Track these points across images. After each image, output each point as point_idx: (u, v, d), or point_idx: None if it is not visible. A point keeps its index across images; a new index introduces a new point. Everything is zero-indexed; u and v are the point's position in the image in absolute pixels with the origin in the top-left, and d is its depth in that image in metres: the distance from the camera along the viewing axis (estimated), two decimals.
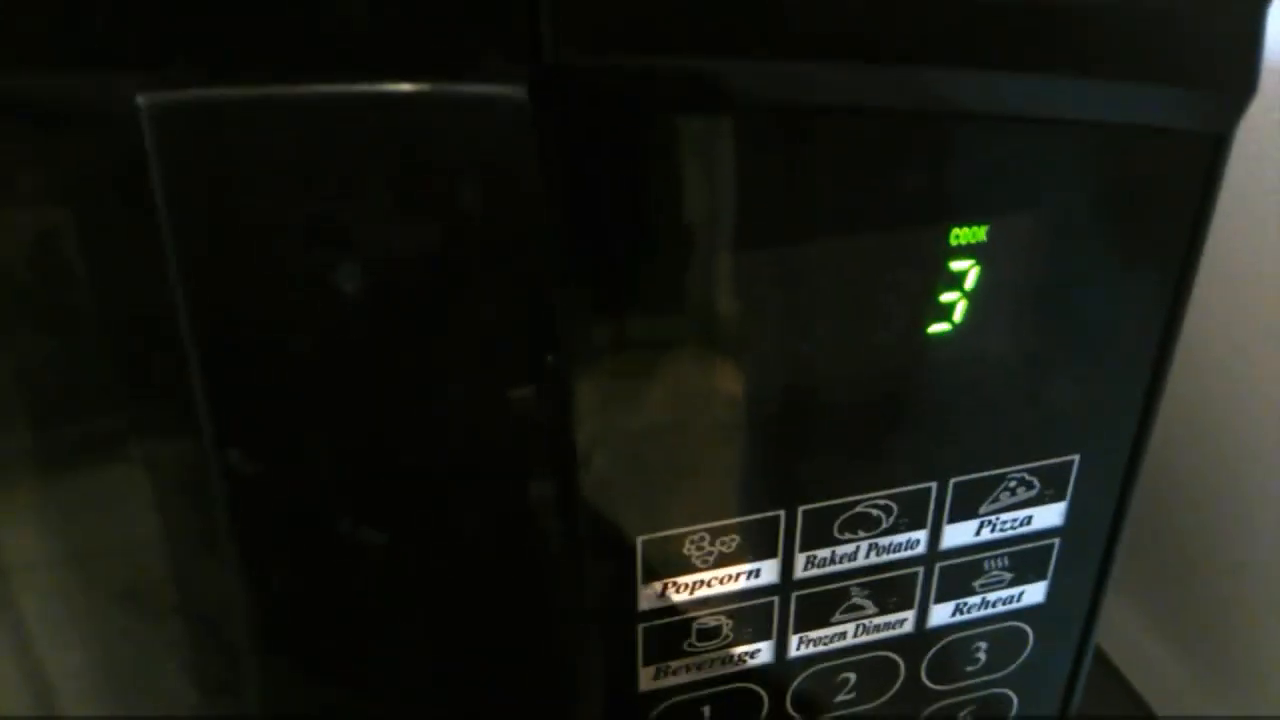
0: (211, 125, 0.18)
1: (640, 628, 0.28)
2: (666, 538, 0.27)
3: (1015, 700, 0.33)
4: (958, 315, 0.25)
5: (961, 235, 0.24)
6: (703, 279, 0.24)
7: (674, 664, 0.29)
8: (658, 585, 0.27)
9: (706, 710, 0.30)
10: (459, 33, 0.19)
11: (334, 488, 0.20)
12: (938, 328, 0.25)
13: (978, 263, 0.25)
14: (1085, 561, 0.31)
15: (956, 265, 0.25)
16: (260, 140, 0.18)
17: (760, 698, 0.30)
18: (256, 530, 0.20)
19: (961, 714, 0.33)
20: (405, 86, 0.18)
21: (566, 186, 0.21)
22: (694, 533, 0.27)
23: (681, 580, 0.27)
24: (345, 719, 0.22)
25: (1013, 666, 0.32)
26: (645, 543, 0.27)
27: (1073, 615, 0.32)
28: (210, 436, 0.18)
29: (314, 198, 0.18)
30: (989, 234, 0.24)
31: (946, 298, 0.25)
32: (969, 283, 0.25)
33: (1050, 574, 0.31)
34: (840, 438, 0.27)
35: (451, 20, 0.18)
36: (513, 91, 0.19)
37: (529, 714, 0.25)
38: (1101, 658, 0.56)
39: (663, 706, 0.29)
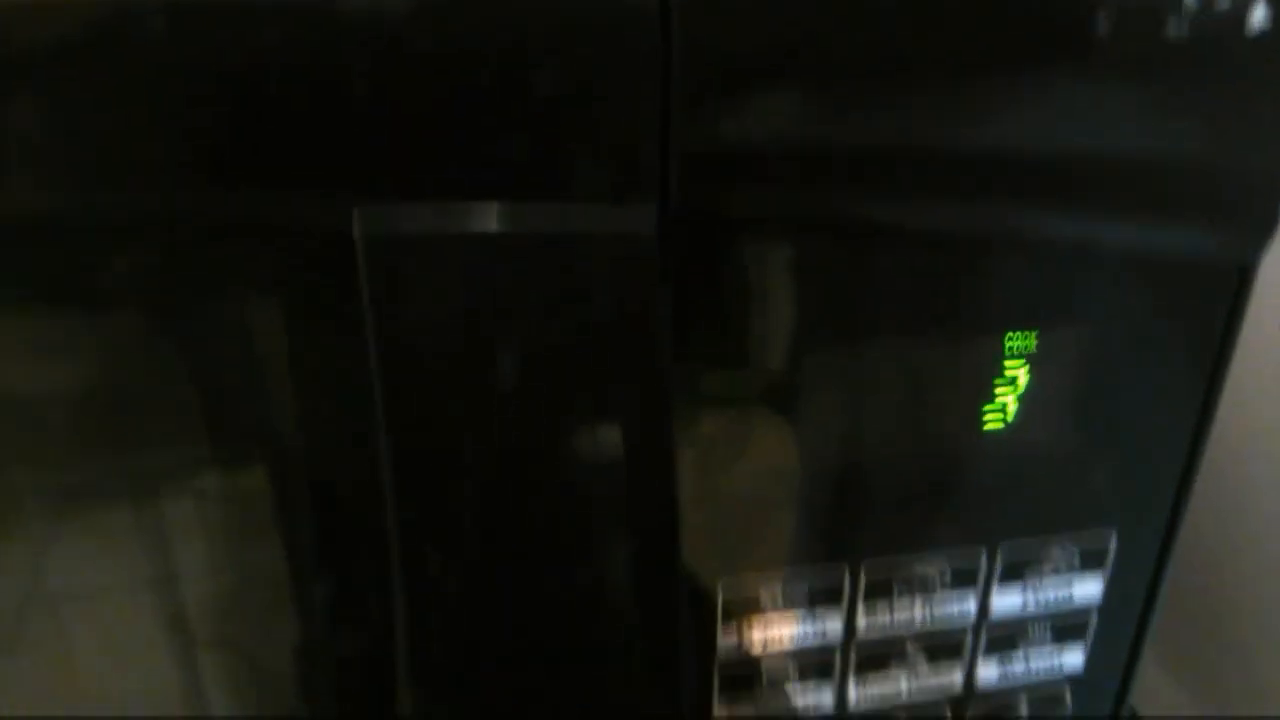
0: (408, 251, 0.22)
1: (717, 663, 0.32)
2: (745, 585, 0.31)
3: None
4: (1010, 409, 0.29)
5: (1015, 341, 0.28)
6: (791, 375, 0.28)
7: (743, 703, 0.32)
8: (735, 627, 0.31)
9: None
10: (606, 179, 0.23)
11: (487, 540, 0.24)
12: (993, 417, 0.29)
13: (1028, 365, 0.29)
14: (1122, 630, 0.34)
15: (1010, 367, 0.28)
16: (441, 265, 0.23)
17: None
18: (421, 576, 0.24)
19: None
20: (563, 225, 0.22)
21: (676, 295, 0.25)
22: (769, 580, 0.31)
23: (756, 625, 0.31)
24: None
25: None
26: (725, 589, 0.30)
27: (1109, 679, 0.35)
28: (392, 495, 0.23)
29: (483, 308, 0.23)
30: (1038, 342, 0.28)
31: (1001, 393, 0.29)
32: (1021, 382, 0.29)
33: (1089, 641, 0.34)
34: (903, 508, 0.30)
35: (601, 169, 0.23)
36: (644, 228, 0.23)
37: None
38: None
39: None
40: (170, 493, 0.29)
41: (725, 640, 0.31)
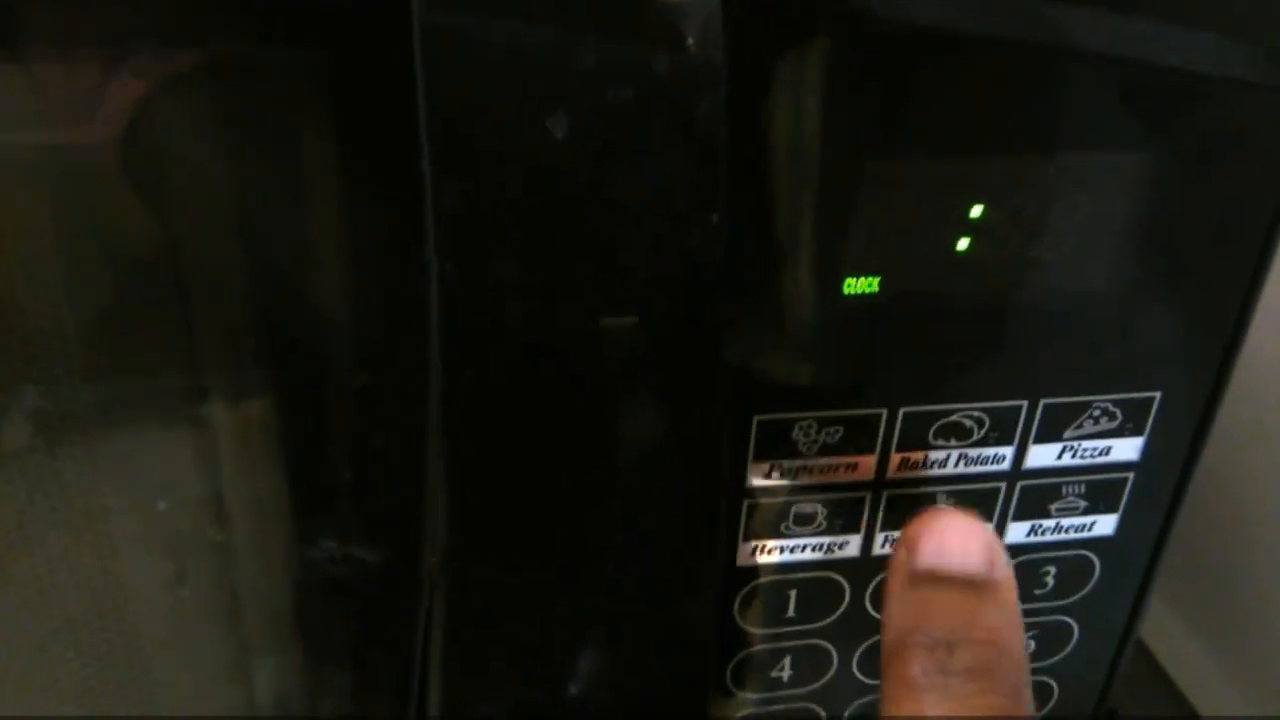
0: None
1: (745, 503, 0.31)
2: (779, 420, 0.30)
3: (1076, 631, 0.36)
4: (1060, 244, 0.28)
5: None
6: (833, 182, 0.27)
7: (770, 543, 0.32)
8: (765, 465, 0.31)
9: (792, 594, 0.33)
10: None
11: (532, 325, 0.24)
12: (1040, 253, 0.28)
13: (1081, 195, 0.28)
14: (1155, 499, 0.33)
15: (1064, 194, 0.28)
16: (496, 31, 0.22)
17: (843, 589, 0.33)
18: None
19: (1025, 637, 0.35)
20: None
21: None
22: (803, 419, 0.30)
23: (786, 464, 0.31)
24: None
25: (1078, 596, 0.35)
26: (760, 423, 0.30)
27: (1138, 551, 0.34)
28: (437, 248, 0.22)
29: (537, 56, 0.22)
30: (1093, 168, 0.27)
31: (1050, 224, 0.28)
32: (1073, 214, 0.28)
33: (1122, 507, 0.33)
34: (943, 348, 0.30)
35: None
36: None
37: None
38: (1148, 657, 0.58)
39: (754, 584, 0.33)
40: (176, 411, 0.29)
41: (756, 480, 0.31)
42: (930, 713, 0.25)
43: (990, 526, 0.30)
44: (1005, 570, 0.28)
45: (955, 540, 0.28)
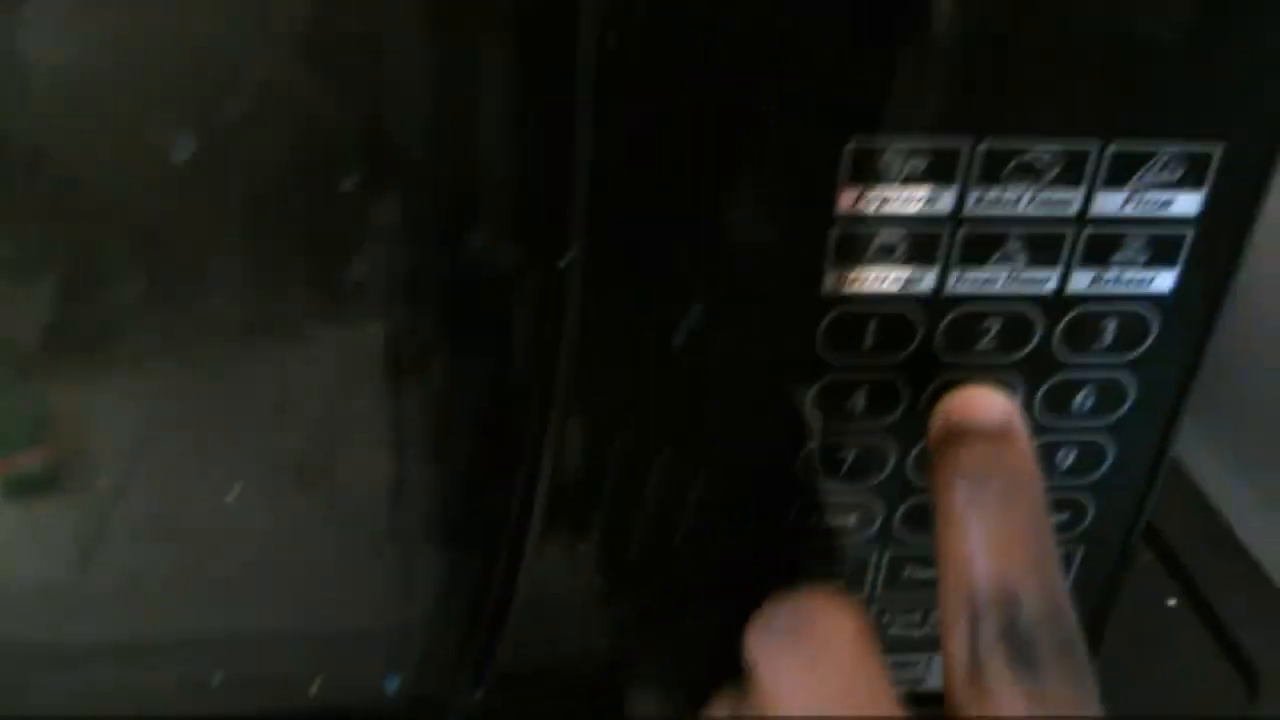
0: None
1: (834, 231, 0.35)
2: (870, 148, 0.33)
3: (1132, 390, 0.39)
4: None
5: None
6: None
7: (851, 274, 0.36)
8: (854, 192, 0.34)
9: (871, 325, 0.37)
10: None
11: None
12: None
13: None
14: (1213, 257, 0.36)
15: None
16: None
17: (914, 327, 0.37)
18: None
19: (1082, 391, 0.39)
20: None
21: None
22: (892, 147, 0.33)
23: (873, 192, 0.34)
24: None
25: (1135, 352, 0.38)
26: (851, 150, 0.33)
27: (1198, 307, 0.37)
28: None
29: None
30: None
31: None
32: None
33: (1180, 263, 0.36)
34: (1021, 79, 0.33)
35: None
36: None
37: None
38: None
39: (835, 313, 0.36)
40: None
41: (843, 208, 0.34)
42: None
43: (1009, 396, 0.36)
44: (1021, 426, 0.35)
45: (979, 403, 0.35)
